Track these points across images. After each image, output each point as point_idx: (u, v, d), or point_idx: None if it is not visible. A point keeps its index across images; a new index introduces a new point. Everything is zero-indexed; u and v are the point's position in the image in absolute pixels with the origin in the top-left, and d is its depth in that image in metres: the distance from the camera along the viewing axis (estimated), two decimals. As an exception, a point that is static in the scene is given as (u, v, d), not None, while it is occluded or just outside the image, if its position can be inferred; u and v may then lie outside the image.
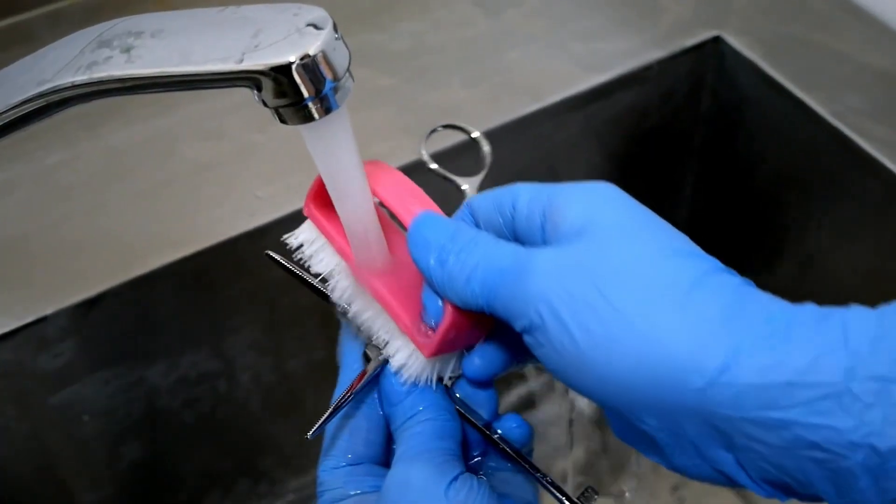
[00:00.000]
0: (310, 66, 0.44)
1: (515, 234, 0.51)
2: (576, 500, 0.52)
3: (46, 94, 0.48)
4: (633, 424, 0.45)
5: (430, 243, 0.50)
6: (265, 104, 0.46)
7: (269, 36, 0.45)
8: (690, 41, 0.91)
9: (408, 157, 0.81)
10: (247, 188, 0.79)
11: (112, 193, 0.79)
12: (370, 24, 0.92)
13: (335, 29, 0.45)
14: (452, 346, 0.53)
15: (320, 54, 0.45)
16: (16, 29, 0.90)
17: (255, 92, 0.46)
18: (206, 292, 0.79)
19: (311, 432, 0.54)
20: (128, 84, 0.46)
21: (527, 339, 0.47)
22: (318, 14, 0.45)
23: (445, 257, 0.49)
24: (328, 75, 0.45)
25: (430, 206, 0.53)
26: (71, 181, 0.80)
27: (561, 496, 0.52)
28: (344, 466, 0.54)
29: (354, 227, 0.52)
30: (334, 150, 0.48)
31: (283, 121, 0.47)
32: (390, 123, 0.84)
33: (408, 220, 0.51)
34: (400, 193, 0.53)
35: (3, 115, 0.49)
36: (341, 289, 0.55)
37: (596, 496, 0.53)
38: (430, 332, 0.52)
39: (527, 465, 0.53)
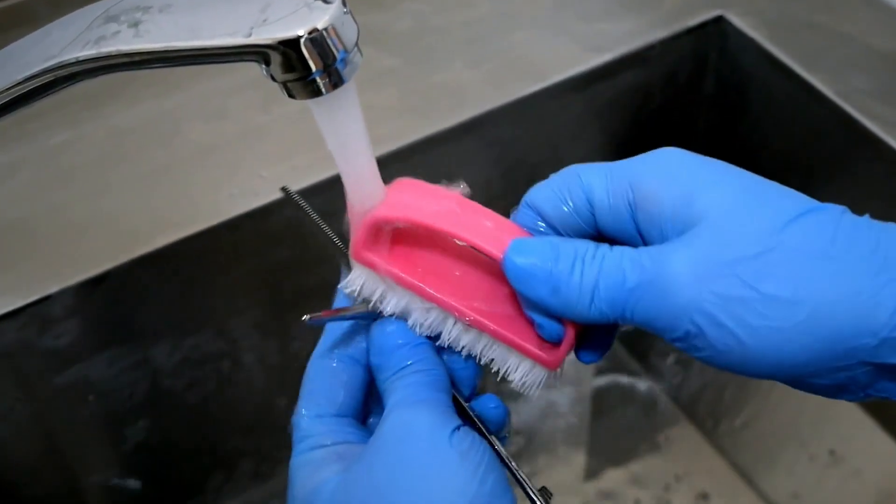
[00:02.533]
0: (318, 39, 0.44)
1: (599, 228, 0.50)
2: (537, 492, 0.51)
3: (53, 69, 0.47)
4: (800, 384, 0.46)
5: (534, 275, 0.48)
6: (273, 79, 0.46)
7: (278, 10, 0.45)
8: (693, 21, 0.91)
9: (410, 139, 0.81)
10: (251, 168, 0.79)
11: (116, 174, 0.79)
12: (373, 4, 0.92)
13: (343, 3, 0.45)
14: (572, 348, 0.52)
15: (329, 28, 0.44)
16: (17, 9, 0.90)
17: (264, 66, 0.46)
18: (210, 272, 0.79)
19: (310, 317, 0.53)
20: (136, 59, 0.46)
21: (680, 345, 0.46)
22: (326, -12, 0.45)
23: (557, 285, 0.47)
24: (337, 49, 0.45)
25: (503, 225, 0.51)
26: (75, 162, 0.80)
27: (528, 487, 0.51)
28: (328, 416, 0.52)
29: (362, 201, 0.51)
30: (343, 124, 0.48)
31: (291, 95, 0.47)
32: (393, 104, 0.83)
33: (493, 251, 0.49)
34: (468, 221, 0.50)
35: (10, 91, 0.49)
36: (424, 325, 0.52)
37: (551, 495, 0.53)
38: (550, 347, 0.51)
39: (496, 449, 0.53)
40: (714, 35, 0.91)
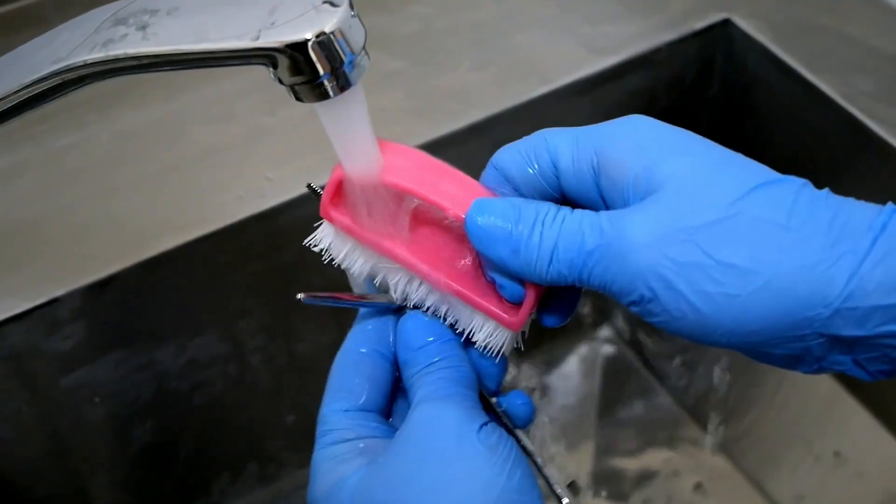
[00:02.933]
0: (326, 43, 0.45)
1: (563, 192, 0.50)
2: (565, 487, 0.52)
3: (62, 72, 0.48)
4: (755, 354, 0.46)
5: (494, 235, 0.48)
6: (281, 82, 0.46)
7: (286, 13, 0.45)
8: (699, 24, 0.91)
9: (416, 141, 0.81)
10: (257, 171, 0.79)
11: (122, 176, 0.79)
12: (378, 6, 0.92)
13: (351, 6, 0.45)
14: (534, 310, 0.52)
15: (336, 31, 0.45)
16: (25, 12, 0.90)
17: (271, 69, 0.46)
18: (216, 274, 0.79)
19: (305, 296, 0.53)
20: (143, 62, 0.46)
21: (635, 310, 0.46)
22: (334, -9, 0.45)
23: (517, 246, 0.48)
24: (344, 52, 0.45)
25: (467, 185, 0.51)
26: (81, 164, 0.80)
27: (551, 482, 0.52)
28: (355, 410, 0.53)
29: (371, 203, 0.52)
30: (350, 127, 0.49)
31: (298, 98, 0.47)
32: (399, 107, 0.83)
33: (454, 211, 0.50)
34: (431, 180, 0.51)
35: (19, 94, 0.49)
36: (391, 285, 0.54)
37: (580, 490, 0.53)
38: (513, 308, 0.51)
39: (523, 444, 0.53)
40: (720, 38, 0.91)
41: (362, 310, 0.56)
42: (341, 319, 0.88)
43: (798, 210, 0.44)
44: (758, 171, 0.47)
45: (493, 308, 0.52)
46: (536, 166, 0.50)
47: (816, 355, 0.45)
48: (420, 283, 0.53)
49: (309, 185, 0.56)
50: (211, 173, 0.79)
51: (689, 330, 0.45)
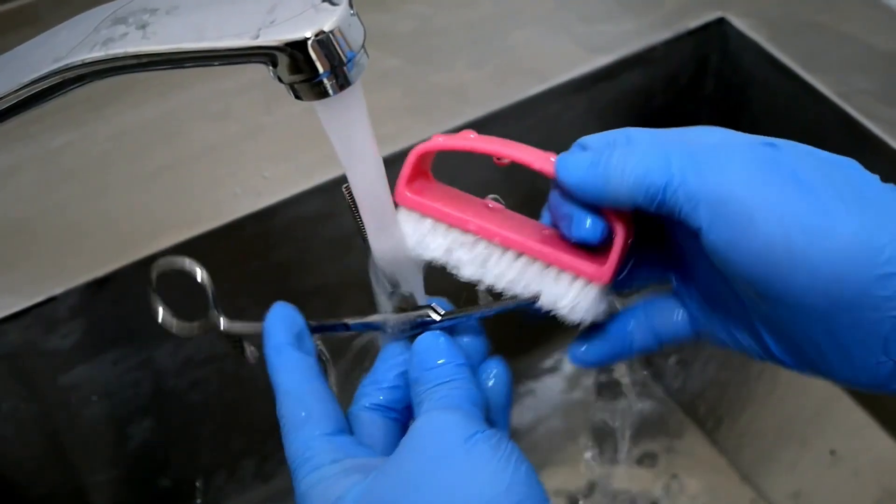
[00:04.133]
0: (325, 42, 0.45)
1: None
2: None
3: (62, 70, 0.48)
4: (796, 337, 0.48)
5: (580, 161, 0.51)
6: (280, 80, 0.47)
7: (285, 11, 0.45)
8: (695, 23, 0.91)
9: (414, 139, 0.81)
10: (254, 169, 0.79)
11: (119, 175, 0.79)
12: (376, 4, 0.92)
13: (350, 5, 0.45)
14: (622, 266, 0.53)
15: (336, 30, 0.45)
16: (21, 11, 0.90)
17: (271, 68, 0.46)
18: (212, 273, 0.79)
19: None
20: (143, 61, 0.47)
21: (710, 229, 0.47)
22: (333, -10, 0.45)
23: (598, 159, 0.50)
24: (343, 51, 0.45)
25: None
26: (78, 163, 0.80)
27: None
28: (334, 434, 0.52)
29: (369, 201, 0.52)
30: (349, 125, 0.49)
31: (298, 97, 0.47)
32: (396, 105, 0.84)
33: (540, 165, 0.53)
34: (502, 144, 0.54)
35: (19, 93, 0.49)
36: (467, 262, 0.55)
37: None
38: (598, 262, 0.52)
39: None
40: (715, 36, 0.92)
41: (273, 345, 0.57)
42: (338, 317, 0.88)
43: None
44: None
45: (581, 263, 0.52)
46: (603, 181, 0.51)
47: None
48: (500, 257, 0.54)
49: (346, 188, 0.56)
50: (208, 171, 0.79)
51: (740, 262, 0.47)
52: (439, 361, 0.52)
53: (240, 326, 0.60)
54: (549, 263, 0.53)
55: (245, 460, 0.96)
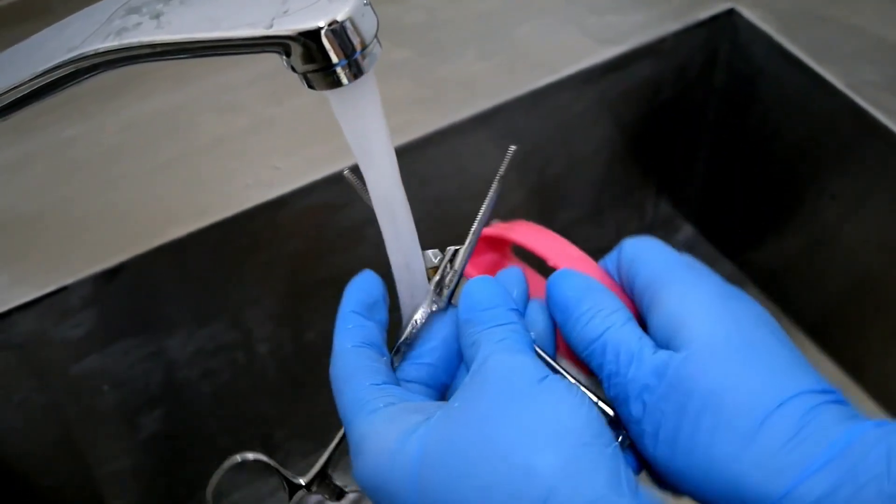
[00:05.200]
0: (338, 31, 0.45)
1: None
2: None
3: (76, 60, 0.48)
4: None
5: (558, 304, 0.56)
6: (294, 69, 0.47)
7: (299, 1, 0.45)
8: (704, 14, 0.91)
9: (423, 131, 0.81)
10: (265, 160, 0.79)
11: (129, 166, 0.79)
12: (385, -4, 0.92)
13: (363, -6, 0.46)
14: None
15: (349, 20, 0.45)
16: (32, 2, 0.90)
17: (284, 57, 0.46)
18: (224, 264, 0.79)
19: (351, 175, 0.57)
20: (157, 50, 0.47)
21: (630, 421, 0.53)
22: (347, -21, 0.46)
23: (566, 324, 0.56)
24: (356, 41, 0.46)
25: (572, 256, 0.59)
26: (87, 154, 0.80)
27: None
28: (388, 384, 0.53)
29: (381, 195, 0.52)
30: (362, 115, 0.49)
31: (311, 86, 0.47)
32: (405, 96, 0.84)
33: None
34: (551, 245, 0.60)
35: (33, 82, 0.49)
36: None
37: None
38: None
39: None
40: (725, 28, 0.92)
41: (342, 312, 0.57)
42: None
43: (777, 414, 0.49)
44: (772, 373, 0.51)
45: None
46: (627, 271, 0.58)
47: None
48: None
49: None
50: (218, 163, 0.79)
51: (655, 460, 0.52)
52: (493, 303, 0.54)
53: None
54: None
55: (255, 451, 0.96)
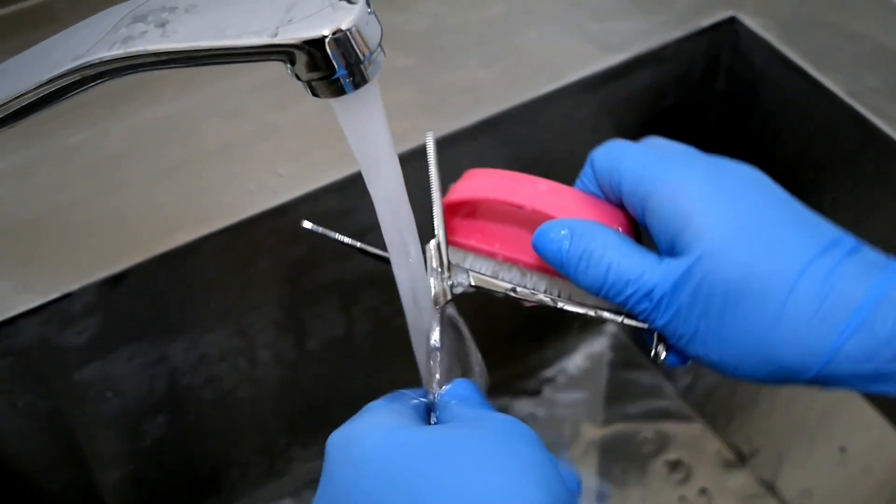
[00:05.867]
0: (342, 40, 0.45)
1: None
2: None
3: (81, 68, 0.48)
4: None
5: (551, 258, 0.56)
6: (298, 77, 0.47)
7: (303, 10, 0.46)
8: (706, 21, 0.91)
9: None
10: (268, 166, 0.79)
11: (133, 172, 0.80)
12: (388, 4, 0.93)
13: (367, 3, 0.46)
14: None
15: (353, 28, 0.45)
16: (38, 10, 0.91)
17: (289, 65, 0.46)
18: (228, 270, 0.79)
19: (310, 224, 0.61)
20: (163, 58, 0.47)
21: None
22: (351, -12, 0.46)
23: (568, 271, 0.56)
24: (360, 49, 0.46)
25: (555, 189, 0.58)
26: (93, 160, 0.81)
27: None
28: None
29: (386, 201, 0.52)
30: (365, 123, 0.49)
31: (315, 94, 0.48)
32: (410, 103, 0.84)
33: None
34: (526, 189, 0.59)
35: (39, 90, 0.50)
36: (508, 279, 0.60)
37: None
38: None
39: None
40: (727, 35, 0.92)
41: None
42: (351, 315, 0.89)
43: (800, 288, 0.50)
44: (785, 229, 0.53)
45: None
46: (612, 189, 0.57)
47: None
48: (531, 274, 0.60)
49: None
50: (222, 169, 0.79)
51: (698, 352, 0.53)
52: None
53: None
54: None
55: (258, 457, 0.96)
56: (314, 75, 0.46)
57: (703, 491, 1.01)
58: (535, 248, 0.56)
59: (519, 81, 0.86)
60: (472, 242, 0.60)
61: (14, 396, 0.76)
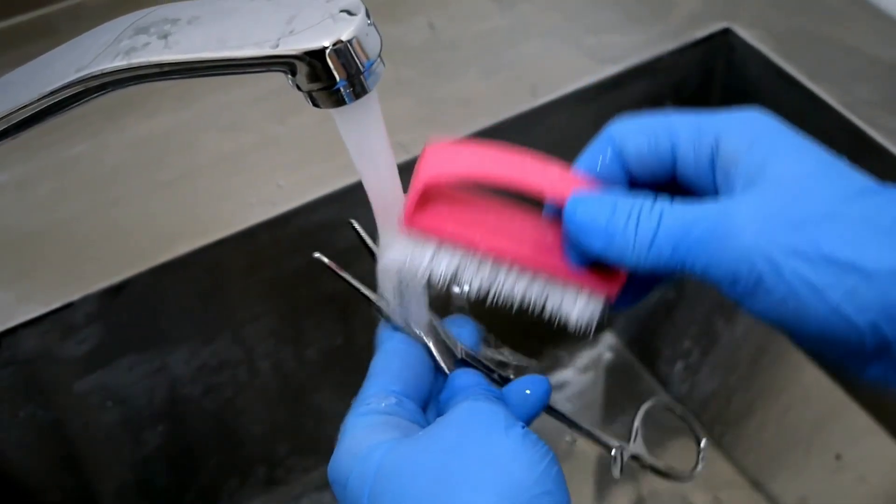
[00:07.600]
0: (343, 51, 0.46)
1: (675, 176, 0.51)
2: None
3: (85, 79, 0.49)
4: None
5: (589, 228, 0.49)
6: (299, 88, 0.48)
7: (304, 21, 0.46)
8: (701, 33, 0.92)
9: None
10: (268, 178, 0.80)
11: (133, 184, 0.80)
12: (387, 16, 0.93)
13: (367, 15, 0.47)
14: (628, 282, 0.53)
15: (353, 40, 0.46)
16: (38, 23, 0.91)
17: (290, 76, 0.47)
18: (227, 280, 0.80)
19: (326, 260, 0.60)
20: (165, 69, 0.48)
21: (736, 292, 0.46)
22: (351, 0, 0.47)
23: (611, 236, 0.48)
24: (361, 60, 0.47)
25: (549, 169, 0.53)
26: (93, 172, 0.81)
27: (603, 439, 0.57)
28: (393, 392, 0.55)
29: (384, 209, 0.53)
30: (365, 132, 0.50)
31: (316, 104, 0.48)
32: (408, 115, 0.85)
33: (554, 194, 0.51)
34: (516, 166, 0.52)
35: (42, 101, 0.50)
36: (473, 279, 0.53)
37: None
38: (603, 278, 0.52)
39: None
40: (721, 47, 0.93)
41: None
42: (350, 325, 0.89)
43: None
44: (863, 178, 0.48)
45: (589, 278, 0.52)
46: (656, 148, 0.51)
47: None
48: (509, 271, 0.53)
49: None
50: (222, 181, 0.80)
51: (786, 318, 0.46)
52: (473, 383, 0.56)
53: None
54: (557, 278, 0.53)
55: (257, 466, 0.96)
56: (315, 86, 0.47)
57: (697, 496, 1.01)
58: (569, 216, 0.49)
59: (515, 93, 0.86)
60: (450, 230, 0.53)
61: (15, 406, 0.77)
